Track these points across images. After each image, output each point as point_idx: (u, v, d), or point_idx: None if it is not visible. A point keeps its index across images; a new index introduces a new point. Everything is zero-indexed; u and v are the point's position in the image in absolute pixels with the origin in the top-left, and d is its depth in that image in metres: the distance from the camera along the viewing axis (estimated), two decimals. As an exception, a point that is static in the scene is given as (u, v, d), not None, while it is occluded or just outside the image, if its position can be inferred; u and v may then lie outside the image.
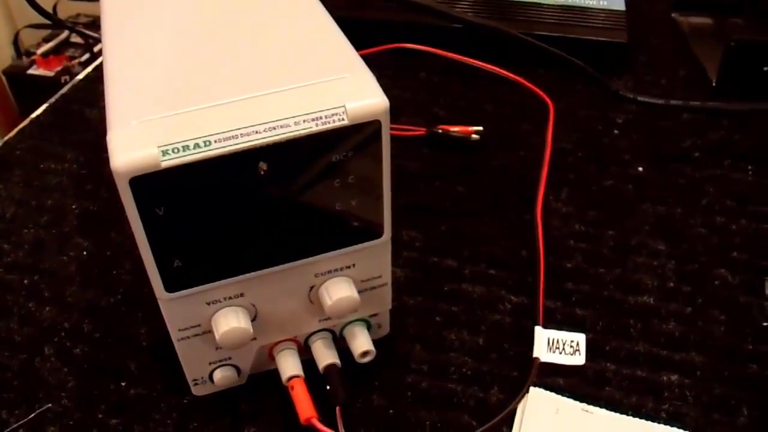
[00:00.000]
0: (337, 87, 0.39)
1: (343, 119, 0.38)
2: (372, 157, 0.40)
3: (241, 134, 0.36)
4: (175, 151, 0.36)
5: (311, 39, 0.43)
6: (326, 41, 0.43)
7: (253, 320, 0.44)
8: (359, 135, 0.38)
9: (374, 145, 0.39)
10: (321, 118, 0.37)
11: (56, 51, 2.18)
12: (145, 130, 0.36)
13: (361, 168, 0.40)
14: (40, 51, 2.15)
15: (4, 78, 2.13)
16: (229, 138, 0.36)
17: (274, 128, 0.37)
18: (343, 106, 0.38)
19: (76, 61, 2.13)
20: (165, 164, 0.35)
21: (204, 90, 0.39)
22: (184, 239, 0.39)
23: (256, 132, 0.37)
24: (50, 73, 2.08)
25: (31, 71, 2.11)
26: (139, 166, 0.35)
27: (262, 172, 0.38)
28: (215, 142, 0.36)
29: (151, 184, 0.36)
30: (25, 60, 2.15)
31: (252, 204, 0.39)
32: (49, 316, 0.55)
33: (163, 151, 0.35)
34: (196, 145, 0.36)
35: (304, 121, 0.37)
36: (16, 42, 2.16)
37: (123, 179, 0.35)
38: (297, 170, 0.39)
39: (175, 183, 0.36)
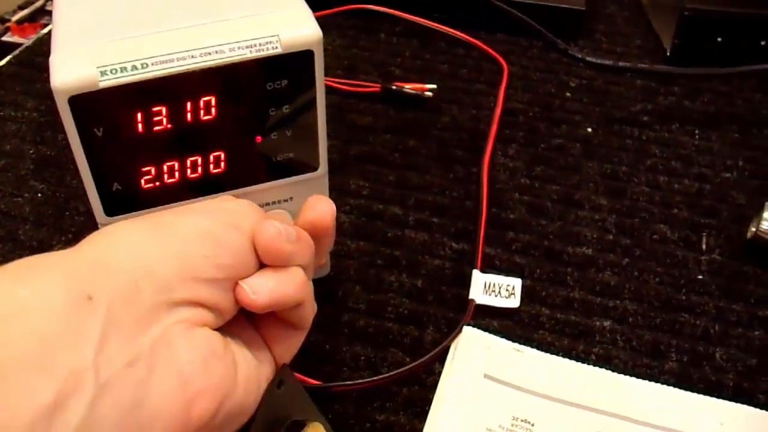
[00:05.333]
0: (273, 18, 0.40)
1: (276, 47, 0.39)
2: (306, 88, 0.41)
3: (177, 58, 0.38)
4: (113, 72, 0.37)
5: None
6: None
7: (193, 251, 0.45)
8: (293, 64, 0.40)
9: (308, 76, 0.41)
10: (255, 45, 0.39)
11: (31, 19, 2.17)
12: (86, 52, 0.37)
13: (295, 98, 0.41)
14: (15, 18, 2.14)
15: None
16: (165, 62, 0.37)
17: (209, 53, 0.38)
18: (277, 35, 0.39)
19: (52, 29, 2.12)
20: (103, 84, 0.37)
21: (144, 20, 0.40)
22: (122, 162, 0.40)
23: (192, 57, 0.38)
24: (25, 41, 2.07)
25: (5, 38, 2.10)
26: (78, 85, 0.36)
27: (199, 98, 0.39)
28: (152, 65, 0.37)
29: (90, 104, 0.37)
30: (-1, 27, 2.14)
31: (188, 130, 0.40)
32: (0, 253, 0.56)
33: (101, 72, 0.36)
34: (134, 67, 0.37)
35: (238, 48, 0.38)
36: (-9, 9, 2.15)
37: (62, 98, 0.36)
38: (233, 97, 0.40)
39: (113, 104, 0.37)
